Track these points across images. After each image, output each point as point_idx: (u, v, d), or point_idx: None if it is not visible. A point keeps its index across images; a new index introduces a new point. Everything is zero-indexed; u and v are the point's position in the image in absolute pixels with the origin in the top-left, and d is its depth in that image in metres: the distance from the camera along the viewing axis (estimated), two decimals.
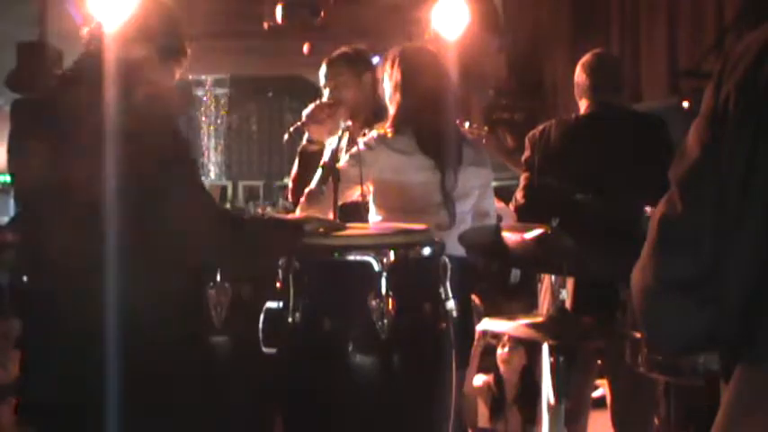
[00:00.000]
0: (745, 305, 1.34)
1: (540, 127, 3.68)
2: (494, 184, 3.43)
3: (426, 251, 2.38)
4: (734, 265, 1.34)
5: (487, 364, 4.71)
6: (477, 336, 4.63)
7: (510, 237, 2.73)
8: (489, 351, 4.69)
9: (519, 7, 7.37)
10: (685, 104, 4.19)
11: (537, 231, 2.61)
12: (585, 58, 3.66)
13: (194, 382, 2.19)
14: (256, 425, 2.38)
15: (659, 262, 1.40)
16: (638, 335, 2.50)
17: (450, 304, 2.42)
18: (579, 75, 3.62)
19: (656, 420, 3.62)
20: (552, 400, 2.71)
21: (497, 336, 4.54)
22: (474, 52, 6.70)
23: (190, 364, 2.20)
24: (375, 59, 3.73)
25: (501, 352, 4.65)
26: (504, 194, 3.90)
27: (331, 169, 2.83)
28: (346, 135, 2.99)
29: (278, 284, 2.37)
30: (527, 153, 3.64)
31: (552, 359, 2.65)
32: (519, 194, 3.62)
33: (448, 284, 2.42)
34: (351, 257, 2.31)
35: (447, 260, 2.44)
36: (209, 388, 2.24)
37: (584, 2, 6.63)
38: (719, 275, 1.34)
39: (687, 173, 1.39)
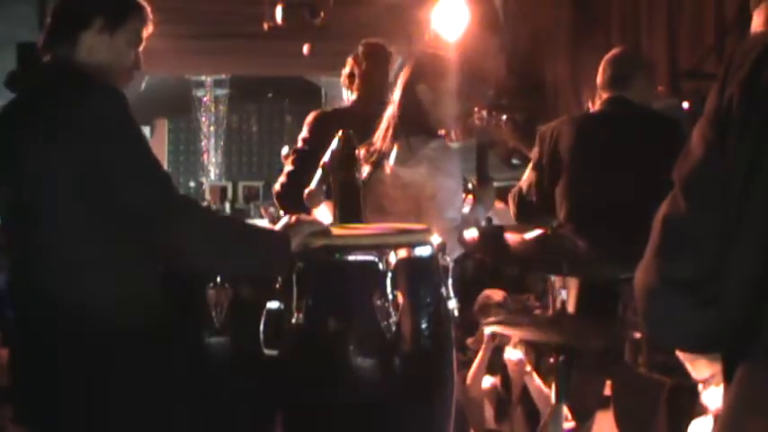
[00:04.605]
0: (748, 305, 1.34)
1: (552, 124, 3.66)
2: (494, 184, 3.43)
3: (428, 251, 2.38)
4: (736, 265, 1.34)
5: (495, 366, 4.70)
6: (485, 338, 4.64)
7: (510, 237, 2.73)
8: (497, 353, 4.68)
9: (519, 7, 7.37)
10: (686, 105, 4.18)
11: (537, 231, 2.61)
12: (611, 53, 3.66)
13: (193, 383, 2.18)
14: (256, 425, 2.37)
15: (662, 262, 1.40)
16: (638, 335, 2.50)
17: (452, 304, 2.42)
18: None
19: (658, 420, 3.62)
20: (553, 400, 2.72)
21: (505, 337, 4.53)
22: (474, 52, 6.70)
23: (187, 365, 2.19)
24: None
25: (508, 353, 4.64)
26: (503, 195, 3.90)
27: (331, 170, 2.83)
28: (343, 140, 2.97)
29: (277, 285, 2.36)
30: (537, 151, 3.62)
31: (553, 359, 2.65)
32: (526, 189, 3.60)
33: (449, 284, 2.43)
34: (354, 258, 2.31)
35: (449, 260, 2.44)
36: (209, 389, 2.24)
37: (584, 2, 6.62)
38: (722, 275, 1.34)
39: (691, 173, 1.39)
